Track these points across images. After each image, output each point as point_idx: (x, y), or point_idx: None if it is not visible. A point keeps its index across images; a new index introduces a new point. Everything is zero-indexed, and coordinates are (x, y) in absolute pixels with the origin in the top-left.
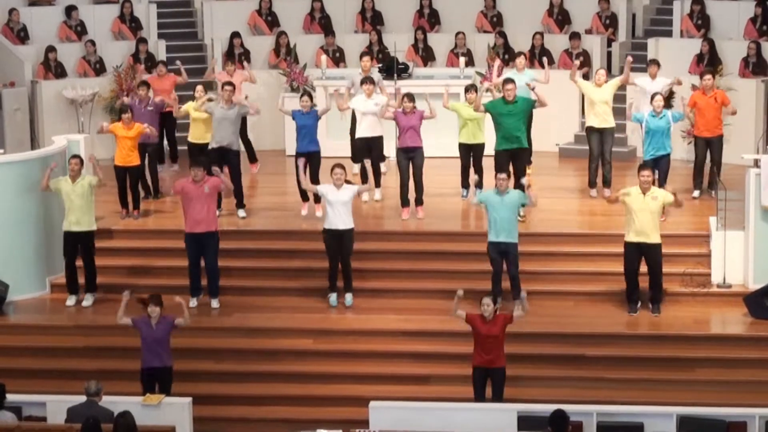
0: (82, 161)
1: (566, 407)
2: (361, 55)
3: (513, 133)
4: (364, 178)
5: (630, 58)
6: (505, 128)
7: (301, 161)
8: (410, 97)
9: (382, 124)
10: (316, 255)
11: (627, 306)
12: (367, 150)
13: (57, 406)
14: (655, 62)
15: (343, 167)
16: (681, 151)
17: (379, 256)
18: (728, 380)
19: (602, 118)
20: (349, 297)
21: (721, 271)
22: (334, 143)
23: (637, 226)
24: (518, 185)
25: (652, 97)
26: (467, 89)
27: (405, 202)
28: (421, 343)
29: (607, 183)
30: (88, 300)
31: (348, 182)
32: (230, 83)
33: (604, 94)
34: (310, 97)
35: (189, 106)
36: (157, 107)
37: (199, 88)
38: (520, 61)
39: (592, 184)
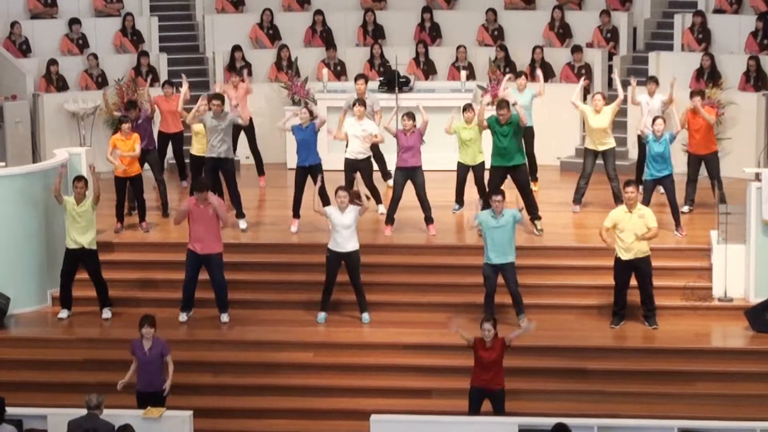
0: (86, 183)
1: (567, 420)
2: (356, 78)
3: (507, 151)
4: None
5: (634, 82)
6: (498, 146)
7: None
8: (410, 115)
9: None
10: (316, 268)
11: (611, 318)
12: (353, 170)
13: (58, 419)
14: (654, 80)
15: (346, 190)
16: (682, 165)
17: (380, 269)
18: (729, 394)
19: (600, 142)
20: (366, 316)
21: (722, 285)
22: (335, 156)
23: (625, 244)
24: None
25: (654, 120)
26: (465, 108)
27: (390, 220)
28: (422, 356)
29: (618, 199)
30: (106, 313)
31: (356, 202)
32: (219, 96)
33: (602, 121)
34: (310, 111)
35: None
36: (146, 117)
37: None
38: (521, 81)
39: (576, 200)
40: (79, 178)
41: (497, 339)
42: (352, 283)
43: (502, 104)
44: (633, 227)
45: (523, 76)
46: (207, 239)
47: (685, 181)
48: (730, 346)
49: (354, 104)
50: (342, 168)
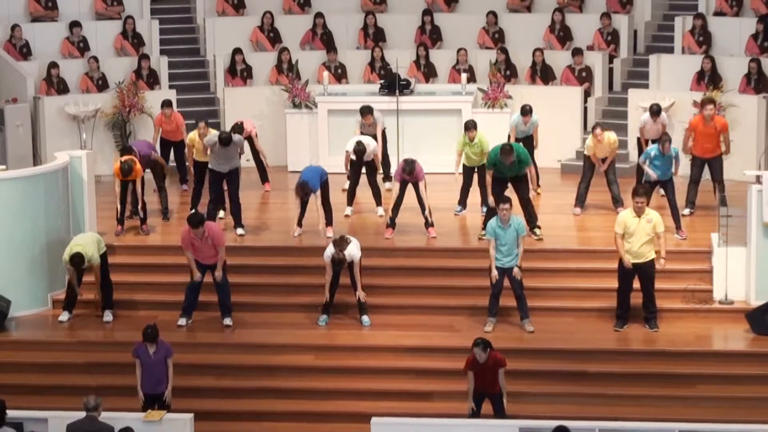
0: (81, 261)
1: (568, 423)
2: (363, 113)
3: (509, 176)
4: (351, 199)
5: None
6: (502, 172)
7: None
8: (409, 170)
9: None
10: (317, 271)
11: (615, 321)
12: (359, 167)
13: (58, 422)
14: (655, 110)
15: (342, 255)
16: (682, 167)
17: (381, 272)
18: (730, 396)
19: (600, 152)
20: (366, 319)
21: (723, 287)
22: (336, 160)
23: (632, 248)
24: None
25: (661, 139)
26: (467, 127)
27: (391, 224)
28: (423, 359)
29: (617, 202)
30: (108, 317)
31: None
32: (228, 141)
33: (604, 149)
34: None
35: (193, 136)
36: (147, 150)
37: (202, 124)
38: (527, 119)
39: (577, 203)
40: (74, 261)
41: (491, 357)
42: (354, 286)
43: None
44: (642, 231)
45: (529, 115)
46: (210, 257)
47: (687, 183)
48: (730, 348)
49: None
50: (340, 172)
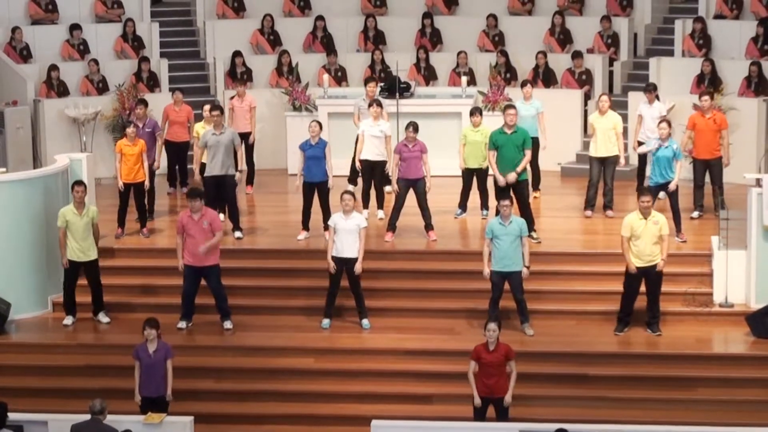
0: (86, 188)
1: (569, 426)
2: (366, 81)
3: (510, 162)
4: (366, 201)
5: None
6: (502, 156)
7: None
8: (414, 127)
9: (386, 148)
10: (317, 274)
11: (615, 325)
12: (370, 172)
13: (59, 424)
14: (651, 88)
15: (352, 194)
16: (683, 171)
17: (381, 275)
18: (730, 400)
19: (605, 146)
20: (365, 322)
21: (723, 291)
22: (337, 162)
23: (640, 250)
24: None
25: (659, 123)
26: (472, 113)
27: (392, 227)
28: (423, 362)
29: (608, 207)
30: (104, 318)
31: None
32: (218, 107)
33: (608, 122)
34: (320, 125)
35: (199, 126)
36: (154, 128)
37: (207, 107)
38: (527, 90)
39: (588, 206)
40: (79, 183)
41: (501, 344)
42: (352, 290)
43: (510, 106)
44: (649, 233)
45: (529, 85)
46: (203, 256)
47: (692, 187)
48: (731, 351)
49: (370, 105)
50: (340, 174)
